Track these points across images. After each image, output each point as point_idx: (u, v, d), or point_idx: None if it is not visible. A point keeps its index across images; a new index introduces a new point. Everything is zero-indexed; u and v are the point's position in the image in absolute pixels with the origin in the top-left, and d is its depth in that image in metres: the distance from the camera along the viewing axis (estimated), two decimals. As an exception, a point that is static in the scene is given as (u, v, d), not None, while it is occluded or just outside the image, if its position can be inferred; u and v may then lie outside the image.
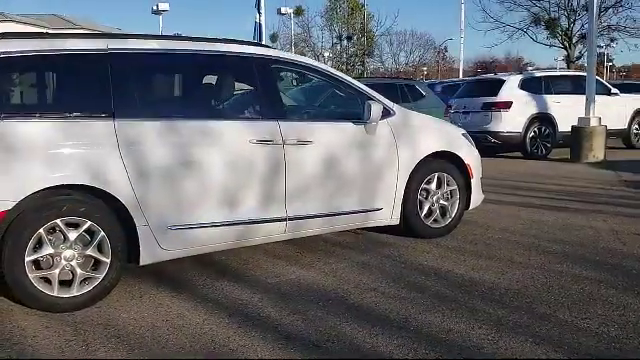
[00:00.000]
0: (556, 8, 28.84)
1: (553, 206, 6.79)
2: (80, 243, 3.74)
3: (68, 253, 3.70)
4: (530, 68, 42.92)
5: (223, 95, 4.54)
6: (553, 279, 4.17)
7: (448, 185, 5.37)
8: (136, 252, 3.93)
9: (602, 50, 44.60)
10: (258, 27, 22.71)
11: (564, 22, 29.11)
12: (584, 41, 29.48)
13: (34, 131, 3.62)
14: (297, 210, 4.52)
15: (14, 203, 3.50)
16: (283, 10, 35.66)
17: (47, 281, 3.66)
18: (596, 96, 11.33)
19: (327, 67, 4.88)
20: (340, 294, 3.94)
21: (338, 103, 5.00)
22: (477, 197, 5.59)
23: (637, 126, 13.35)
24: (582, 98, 11.77)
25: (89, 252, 3.76)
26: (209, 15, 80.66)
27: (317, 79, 4.85)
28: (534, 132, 11.89)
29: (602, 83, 13.29)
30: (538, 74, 12.94)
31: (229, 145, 4.21)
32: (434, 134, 5.35)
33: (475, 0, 44.81)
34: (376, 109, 4.71)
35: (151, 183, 3.90)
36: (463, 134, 5.64)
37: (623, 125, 12.96)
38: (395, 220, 5.10)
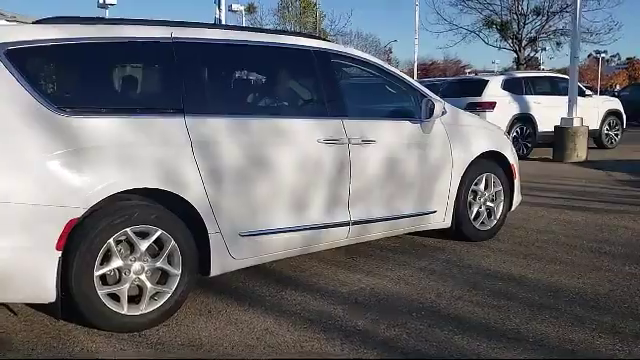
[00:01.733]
0: (507, 12, 29.50)
1: (572, 206, 6.76)
2: (148, 254, 3.35)
3: (137, 266, 3.30)
4: (468, 71, 43.94)
5: (289, 91, 4.22)
6: (632, 282, 4.07)
7: (494, 186, 5.21)
8: (206, 262, 3.56)
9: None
10: (218, 23, 22.34)
11: (514, 26, 29.79)
12: (533, 44, 30.46)
13: (103, 128, 3.20)
14: (360, 214, 4.25)
15: (84, 210, 3.07)
16: (235, 7, 34.96)
17: (115, 298, 3.25)
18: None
19: (382, 62, 4.62)
20: (427, 304, 3.69)
21: (391, 100, 4.75)
22: (518, 198, 5.47)
23: (607, 127, 13.71)
24: (560, 99, 11.97)
25: (159, 264, 3.37)
26: (163, 9, 77.67)
27: (372, 75, 4.58)
28: (516, 132, 11.98)
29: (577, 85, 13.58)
30: (519, 75, 13.08)
31: (299, 144, 3.89)
32: (483, 133, 5.19)
33: (429, 2, 45.41)
34: (438, 107, 4.49)
35: (224, 186, 3.54)
36: (504, 133, 5.51)
37: (596, 125, 13.27)
38: (447, 223, 4.90)
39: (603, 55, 69.72)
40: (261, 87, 4.24)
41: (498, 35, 30.38)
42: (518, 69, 29.94)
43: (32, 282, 3.02)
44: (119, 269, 3.25)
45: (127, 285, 3.27)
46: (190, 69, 3.57)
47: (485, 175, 5.11)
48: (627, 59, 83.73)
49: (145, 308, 3.32)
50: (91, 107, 3.23)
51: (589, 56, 73.25)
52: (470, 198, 5.04)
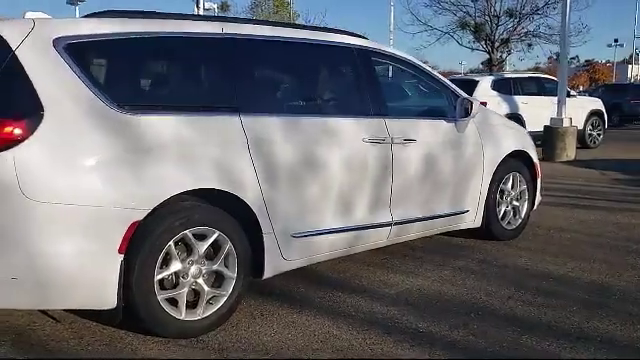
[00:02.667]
0: (480, 14, 29.87)
1: (581, 205, 6.82)
2: (204, 257, 3.24)
3: (194, 269, 3.19)
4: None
5: (335, 89, 4.14)
6: (672, 279, 4.13)
7: (520, 185, 5.23)
8: (259, 264, 3.47)
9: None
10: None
11: (488, 28, 30.18)
12: (505, 46, 30.90)
13: (163, 127, 3.07)
14: (401, 214, 4.20)
15: (146, 212, 2.95)
16: (207, 5, 34.57)
17: (173, 303, 3.13)
18: (555, 97, 11.73)
19: (418, 61, 4.59)
20: (480, 304, 3.67)
21: (426, 99, 4.71)
22: (539, 197, 5.50)
23: (590, 127, 13.97)
24: (546, 99, 12.16)
25: (216, 267, 3.26)
26: (138, 6, 75.95)
27: (408, 73, 4.55)
28: (506, 132, 12.09)
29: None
30: (507, 76, 13.23)
31: (347, 144, 3.82)
32: (510, 133, 5.20)
33: (404, 3, 45.47)
34: (475, 107, 4.48)
35: (277, 186, 3.45)
36: (527, 133, 5.54)
37: (580, 125, 13.49)
38: (477, 223, 4.88)
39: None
40: (309, 85, 4.14)
41: (472, 36, 30.76)
42: (491, 70, 30.38)
43: (94, 287, 2.89)
44: (177, 273, 3.13)
45: (186, 289, 3.16)
46: (242, 66, 3.47)
47: (512, 174, 5.12)
48: (585, 61, 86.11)
49: (202, 313, 3.22)
50: (150, 105, 3.10)
51: (549, 58, 74.82)
52: (498, 197, 5.04)
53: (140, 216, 2.93)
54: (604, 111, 14.25)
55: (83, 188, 2.80)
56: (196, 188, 3.13)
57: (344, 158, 3.78)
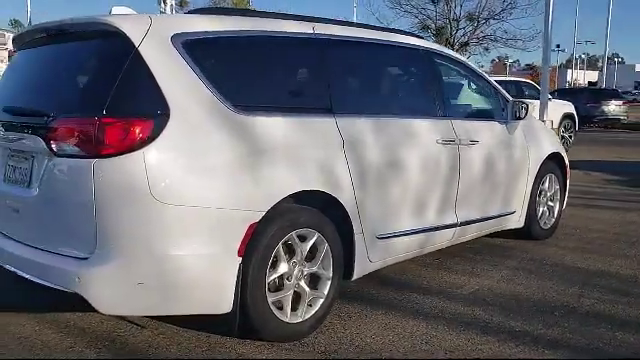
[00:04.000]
0: (441, 17, 30.46)
1: (590, 205, 7.02)
2: (305, 259, 3.20)
3: (297, 271, 3.15)
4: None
5: (410, 90, 4.15)
6: None
7: (554, 186, 5.38)
8: (348, 266, 3.45)
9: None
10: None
11: (447, 31, 30.80)
12: (464, 49, 31.63)
13: (274, 128, 3.02)
14: (464, 215, 4.26)
15: (262, 213, 2.89)
16: (168, 0, 33.91)
17: (278, 306, 3.08)
18: (533, 100, 12.07)
19: (472, 63, 4.66)
20: (557, 302, 3.74)
21: (481, 101, 4.77)
22: (566, 198, 5.68)
23: (564, 129, 14.47)
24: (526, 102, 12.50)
25: (315, 268, 3.23)
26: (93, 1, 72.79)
27: (464, 75, 4.62)
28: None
29: (537, 88, 14.25)
30: (488, 78, 13.53)
31: (424, 145, 3.85)
32: (547, 135, 5.34)
33: (367, 4, 45.95)
34: (531, 109, 4.59)
35: (367, 187, 3.45)
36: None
37: (554, 128, 13.96)
38: (521, 223, 4.99)
39: (506, 61, 73.69)
40: (388, 86, 4.14)
41: (433, 39, 31.32)
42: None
43: (214, 291, 2.81)
44: (282, 275, 3.09)
45: (291, 291, 3.12)
46: (333, 67, 3.45)
47: (548, 175, 5.26)
48: (526, 65, 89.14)
49: (303, 315, 3.18)
50: (258, 105, 3.04)
51: (492, 61, 77.10)
52: (537, 198, 5.17)
53: (257, 218, 2.87)
54: (575, 114, 14.78)
55: (207, 190, 2.73)
56: (304, 190, 3.09)
57: (422, 159, 3.81)
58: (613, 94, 24.25)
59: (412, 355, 3.02)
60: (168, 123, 2.62)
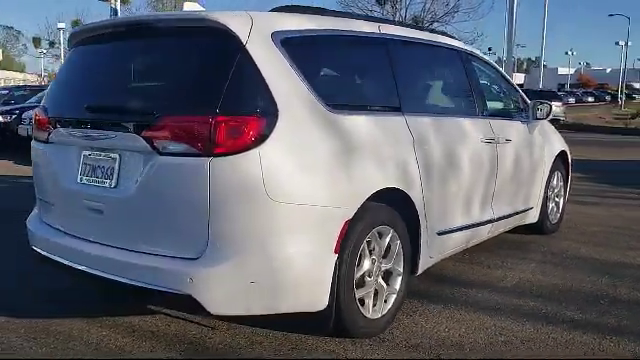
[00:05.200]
0: (387, 20, 30.92)
1: (580, 201, 7.19)
2: (382, 255, 3.25)
3: (376, 267, 3.20)
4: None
5: (457, 90, 4.24)
6: None
7: (560, 182, 5.64)
8: (414, 262, 3.52)
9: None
10: (113, 12, 21.47)
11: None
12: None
13: (362, 126, 3.06)
14: (498, 212, 4.41)
15: (354, 210, 2.92)
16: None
17: (362, 303, 3.12)
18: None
19: (497, 66, 4.83)
20: (597, 292, 3.94)
21: (506, 101, 4.95)
22: (568, 193, 5.96)
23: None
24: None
25: (391, 265, 3.29)
26: None
27: (491, 76, 4.77)
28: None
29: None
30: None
31: (472, 143, 3.98)
32: (555, 134, 5.58)
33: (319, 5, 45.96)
34: (552, 109, 4.80)
35: (432, 185, 3.53)
36: (555, 132, 5.96)
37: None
38: (536, 218, 5.20)
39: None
40: (440, 86, 4.23)
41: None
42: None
43: (314, 289, 2.82)
44: (364, 272, 3.12)
45: (373, 288, 3.17)
46: (399, 66, 3.51)
47: (556, 172, 5.51)
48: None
49: (382, 311, 3.23)
50: (347, 104, 3.07)
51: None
52: (548, 194, 5.40)
53: (350, 215, 2.90)
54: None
55: (312, 188, 2.74)
56: (385, 187, 3.14)
57: (471, 157, 3.93)
58: (553, 95, 25.41)
59: (493, 347, 3.12)
60: (277, 121, 2.62)
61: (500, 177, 4.32)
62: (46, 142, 3.22)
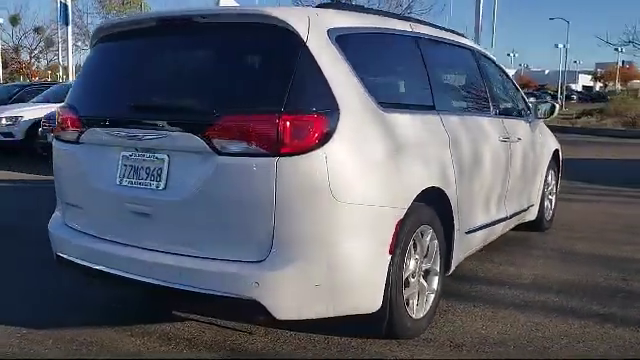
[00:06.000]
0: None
1: (566, 198, 7.20)
2: (423, 255, 3.24)
3: (417, 267, 3.18)
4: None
5: (477, 90, 4.25)
6: None
7: (553, 180, 5.78)
8: (447, 261, 3.52)
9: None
10: (63, 7, 20.84)
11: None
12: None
13: (408, 125, 3.04)
14: (509, 209, 4.48)
15: (405, 210, 2.90)
16: (55, -7, 31.87)
17: (407, 303, 3.09)
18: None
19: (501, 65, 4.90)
20: (611, 287, 4.03)
21: (510, 101, 5.02)
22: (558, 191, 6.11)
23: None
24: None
25: (430, 264, 3.28)
26: None
27: (498, 75, 4.83)
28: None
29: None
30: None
31: (493, 143, 4.02)
32: (549, 133, 5.71)
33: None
34: (557, 109, 4.90)
35: (464, 184, 3.54)
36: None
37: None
38: (535, 215, 5.30)
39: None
40: (464, 85, 4.24)
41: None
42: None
43: (371, 290, 2.78)
44: (409, 272, 3.10)
45: (417, 288, 3.15)
46: (430, 65, 3.50)
47: (550, 170, 5.64)
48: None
49: (424, 311, 3.22)
50: (393, 102, 3.04)
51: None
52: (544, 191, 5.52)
53: (402, 214, 2.88)
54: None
55: (370, 188, 2.70)
56: (431, 186, 3.12)
57: (492, 156, 3.97)
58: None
59: (535, 343, 3.14)
60: (339, 120, 2.56)
61: (512, 175, 4.39)
62: (75, 142, 3.04)
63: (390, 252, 2.81)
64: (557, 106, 5.03)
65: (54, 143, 3.26)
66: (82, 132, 3.00)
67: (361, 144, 2.68)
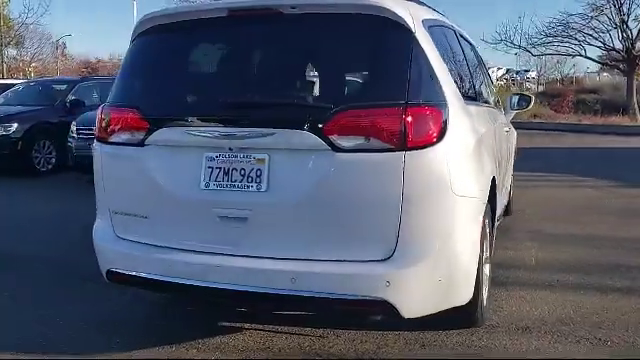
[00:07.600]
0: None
1: (530, 185, 7.80)
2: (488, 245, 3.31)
3: (484, 256, 3.23)
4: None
5: (482, 80, 4.33)
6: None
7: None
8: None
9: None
10: None
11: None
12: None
13: (478, 116, 3.11)
14: (504, 196, 4.68)
15: (486, 202, 2.95)
16: None
17: (480, 292, 3.14)
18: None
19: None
20: (613, 262, 4.31)
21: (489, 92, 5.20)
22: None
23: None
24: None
25: (487, 254, 3.36)
26: None
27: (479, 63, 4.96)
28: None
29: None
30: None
31: (503, 132, 4.19)
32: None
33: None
34: (532, 100, 5.18)
35: (500, 171, 3.68)
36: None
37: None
38: (506, 202, 5.56)
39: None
40: (476, 76, 4.29)
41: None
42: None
43: (468, 282, 2.76)
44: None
45: (487, 276, 3.21)
46: (466, 55, 3.57)
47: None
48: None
49: (485, 299, 3.28)
50: (465, 94, 3.07)
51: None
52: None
53: (484, 207, 2.93)
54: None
55: (472, 181, 2.71)
56: (494, 176, 3.19)
57: (504, 145, 4.16)
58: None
59: (583, 322, 3.26)
60: (449, 113, 2.54)
61: (506, 163, 4.59)
62: (138, 145, 2.73)
63: (481, 243, 2.84)
64: (533, 97, 5.31)
65: (98, 147, 2.90)
66: (149, 133, 2.70)
67: (463, 136, 2.68)
